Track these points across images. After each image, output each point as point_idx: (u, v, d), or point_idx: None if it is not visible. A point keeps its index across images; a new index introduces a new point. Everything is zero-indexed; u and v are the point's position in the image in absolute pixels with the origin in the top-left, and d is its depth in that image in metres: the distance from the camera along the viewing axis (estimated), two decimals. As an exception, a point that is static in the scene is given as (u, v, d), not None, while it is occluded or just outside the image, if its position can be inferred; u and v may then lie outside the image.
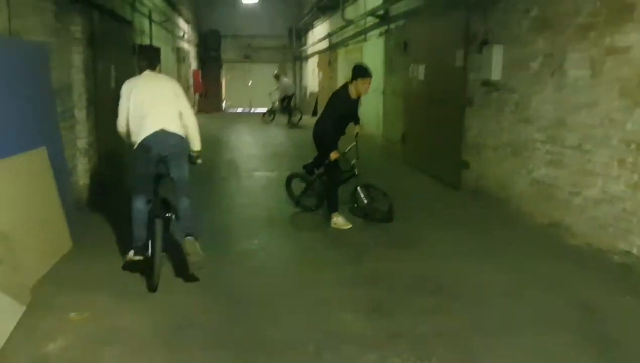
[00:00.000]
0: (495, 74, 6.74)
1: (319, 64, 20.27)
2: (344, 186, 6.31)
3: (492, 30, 6.92)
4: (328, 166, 6.01)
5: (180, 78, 16.03)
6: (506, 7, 6.58)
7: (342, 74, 16.18)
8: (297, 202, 6.78)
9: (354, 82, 5.86)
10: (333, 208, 6.11)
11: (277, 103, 18.33)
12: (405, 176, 9.19)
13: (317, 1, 17.94)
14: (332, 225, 6.03)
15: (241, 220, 6.41)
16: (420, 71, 9.46)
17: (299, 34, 24.32)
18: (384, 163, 10.25)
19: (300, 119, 18.30)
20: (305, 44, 23.86)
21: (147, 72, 4.63)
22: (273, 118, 18.72)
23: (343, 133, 6.07)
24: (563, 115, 5.57)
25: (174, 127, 4.39)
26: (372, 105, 12.90)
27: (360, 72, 5.86)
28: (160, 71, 4.71)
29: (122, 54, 8.54)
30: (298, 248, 5.43)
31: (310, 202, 6.64)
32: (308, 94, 23.46)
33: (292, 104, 18.41)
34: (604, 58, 4.96)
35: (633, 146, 4.64)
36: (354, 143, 6.14)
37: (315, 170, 6.35)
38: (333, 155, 5.79)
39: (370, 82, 5.90)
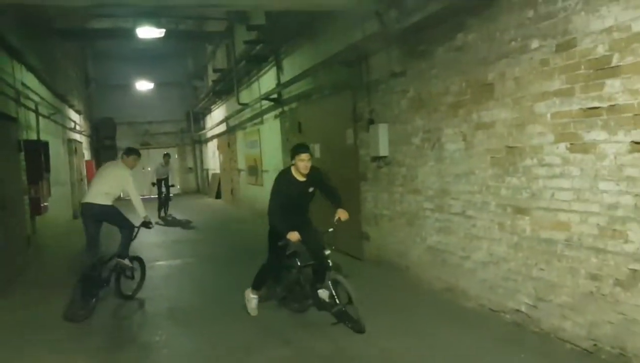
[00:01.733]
0: (383, 150, 7.16)
1: (219, 147, 20.40)
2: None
3: (376, 110, 7.41)
4: (275, 248, 5.41)
5: (72, 170, 15.38)
6: (386, 89, 7.11)
7: (243, 156, 16.38)
8: (282, 299, 5.98)
9: (293, 161, 5.41)
10: (255, 284, 5.73)
11: (164, 192, 15.37)
12: (310, 252, 9.25)
13: (212, 87, 18.28)
14: (245, 299, 5.80)
15: (142, 316, 6.10)
16: (315, 150, 9.81)
17: (197, 117, 24.48)
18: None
19: (166, 211, 15.55)
20: (204, 127, 24.01)
21: (117, 160, 7.14)
22: (166, 212, 15.59)
23: (301, 219, 5.50)
24: (446, 185, 5.98)
25: (99, 200, 6.56)
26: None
27: (294, 150, 5.42)
28: (134, 161, 6.98)
29: (6, 152, 8.12)
30: (203, 340, 5.22)
31: (298, 304, 5.79)
32: (210, 176, 23.38)
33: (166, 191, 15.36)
34: (474, 132, 5.45)
35: (509, 210, 5.05)
36: (332, 229, 5.30)
37: (297, 260, 5.67)
38: (292, 236, 5.12)
39: (307, 158, 5.33)
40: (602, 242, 4.10)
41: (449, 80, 5.78)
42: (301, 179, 5.40)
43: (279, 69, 11.65)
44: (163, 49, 21.52)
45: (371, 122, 7.47)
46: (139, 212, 6.64)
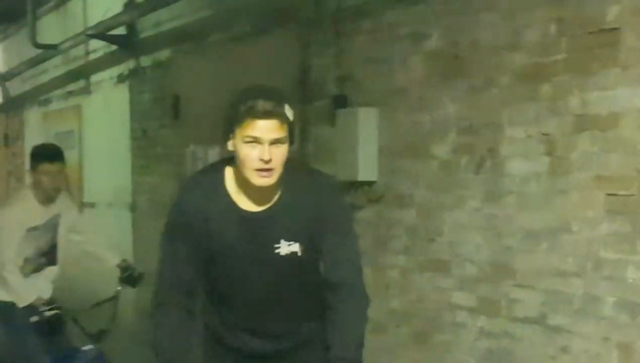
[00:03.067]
0: (366, 169, 7.27)
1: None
2: None
3: (354, 76, 7.55)
4: None
5: None
6: (376, 29, 7.25)
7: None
8: None
9: (229, 141, 4.00)
10: None
11: None
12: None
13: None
14: None
15: None
16: (211, 161, 9.83)
17: None
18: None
19: None
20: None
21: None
22: None
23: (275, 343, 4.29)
24: (505, 255, 6.09)
25: None
26: (108, 239, 12.97)
27: (240, 98, 3.92)
28: (48, 177, 7.53)
29: None
30: None
31: None
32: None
33: None
34: (571, 137, 5.56)
35: (643, 316, 5.16)
36: None
37: None
38: None
39: (276, 128, 3.89)
40: None
41: (520, 19, 5.92)
42: (256, 206, 4.15)
43: (134, -30, 11.73)
44: None
45: (341, 102, 7.58)
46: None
